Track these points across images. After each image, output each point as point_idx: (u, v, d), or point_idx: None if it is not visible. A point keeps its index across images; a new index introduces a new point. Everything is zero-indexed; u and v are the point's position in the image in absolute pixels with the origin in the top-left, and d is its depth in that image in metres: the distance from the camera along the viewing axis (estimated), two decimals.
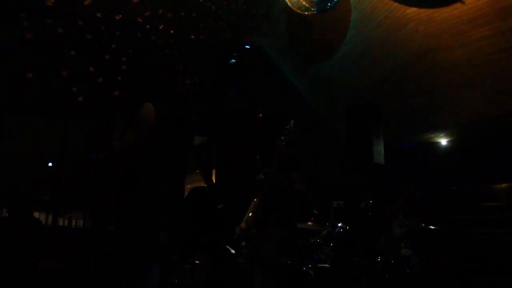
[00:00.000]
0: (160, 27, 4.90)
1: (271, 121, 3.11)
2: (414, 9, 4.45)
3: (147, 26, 4.91)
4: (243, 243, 2.93)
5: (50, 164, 7.69)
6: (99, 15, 4.60)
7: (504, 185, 4.72)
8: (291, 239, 3.07)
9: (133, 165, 2.10)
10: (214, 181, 6.02)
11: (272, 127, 3.09)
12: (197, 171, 6.48)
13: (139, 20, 4.87)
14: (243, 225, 3.02)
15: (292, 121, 2.93)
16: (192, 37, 5.15)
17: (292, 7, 4.56)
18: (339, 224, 4.41)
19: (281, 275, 2.94)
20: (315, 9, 4.46)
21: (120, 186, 2.15)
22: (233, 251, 2.93)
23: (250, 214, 3.01)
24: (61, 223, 5.78)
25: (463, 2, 4.10)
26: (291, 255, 3.25)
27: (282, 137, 2.91)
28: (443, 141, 6.19)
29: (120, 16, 4.74)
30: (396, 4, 4.51)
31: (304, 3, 4.43)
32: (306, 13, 4.55)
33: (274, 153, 2.89)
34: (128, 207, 2.09)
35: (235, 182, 5.64)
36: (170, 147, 2.24)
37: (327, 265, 4.13)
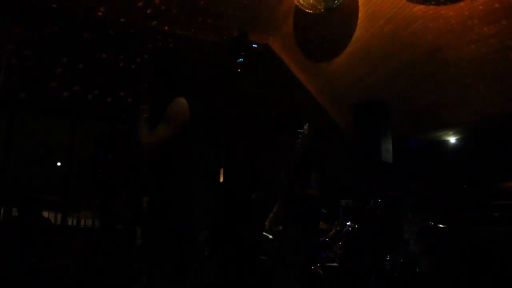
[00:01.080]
0: (166, 28, 4.93)
1: (286, 120, 3.13)
2: (422, 6, 4.42)
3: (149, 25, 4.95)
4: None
5: (58, 164, 7.76)
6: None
7: None
8: (307, 240, 3.09)
9: (166, 161, 2.08)
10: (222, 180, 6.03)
11: (287, 127, 3.11)
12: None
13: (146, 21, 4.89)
14: (266, 223, 3.07)
15: (307, 124, 2.92)
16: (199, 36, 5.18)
17: (299, 5, 4.55)
18: (348, 223, 4.41)
19: (299, 275, 2.96)
20: (322, 7, 4.45)
21: (153, 181, 2.14)
22: (271, 237, 2.97)
23: (273, 215, 3.04)
24: (70, 223, 5.84)
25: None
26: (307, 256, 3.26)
27: (298, 141, 2.89)
28: (452, 139, 6.15)
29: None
30: (404, 1, 4.48)
31: (311, 1, 4.41)
32: (314, 11, 4.54)
33: (291, 156, 2.89)
34: (161, 204, 2.08)
35: (243, 181, 5.65)
36: (202, 143, 2.21)
37: (335, 264, 4.13)
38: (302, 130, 2.91)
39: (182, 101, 2.09)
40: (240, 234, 3.84)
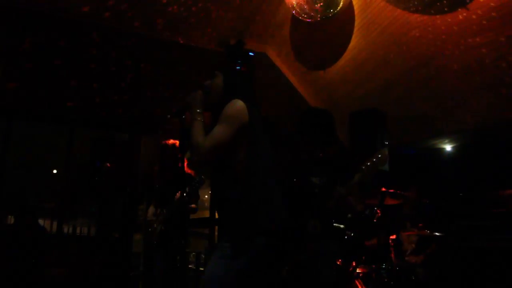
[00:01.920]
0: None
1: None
2: (418, 15, 4.46)
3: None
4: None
5: (54, 171, 7.73)
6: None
7: (510, 191, 4.68)
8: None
9: (229, 160, 2.08)
10: None
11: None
12: None
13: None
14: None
15: (379, 155, 2.82)
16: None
17: (296, 13, 4.58)
18: None
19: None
20: (319, 16, 4.48)
21: (218, 181, 2.15)
22: (342, 226, 2.89)
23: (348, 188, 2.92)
24: (66, 230, 5.81)
25: (467, 9, 4.11)
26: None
27: (363, 167, 2.81)
28: (448, 147, 6.17)
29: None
30: (399, 10, 4.52)
31: (308, 9, 4.45)
32: (310, 19, 4.57)
33: (353, 179, 2.81)
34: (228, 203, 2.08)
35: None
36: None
37: None
38: (380, 156, 2.80)
39: (239, 102, 2.09)
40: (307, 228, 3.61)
